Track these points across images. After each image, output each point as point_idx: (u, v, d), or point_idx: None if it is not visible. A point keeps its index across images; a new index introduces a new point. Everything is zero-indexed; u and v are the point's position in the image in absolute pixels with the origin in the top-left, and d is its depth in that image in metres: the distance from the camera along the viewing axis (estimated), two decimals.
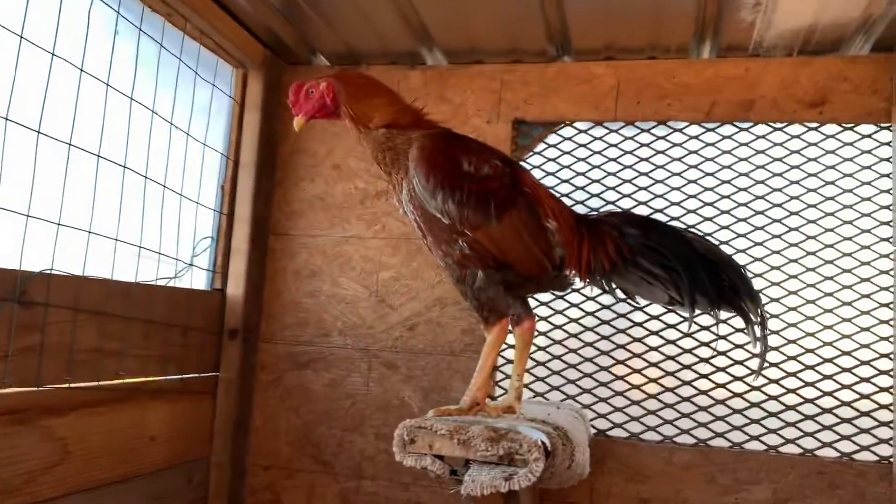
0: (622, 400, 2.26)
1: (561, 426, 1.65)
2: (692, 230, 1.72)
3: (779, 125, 2.24)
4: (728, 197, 2.26)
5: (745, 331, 1.63)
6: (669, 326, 2.25)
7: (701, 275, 1.60)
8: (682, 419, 2.21)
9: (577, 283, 1.82)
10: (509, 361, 2.30)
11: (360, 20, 2.28)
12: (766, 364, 1.65)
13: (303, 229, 2.55)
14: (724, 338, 2.20)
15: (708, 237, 1.70)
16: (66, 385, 1.78)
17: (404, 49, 2.46)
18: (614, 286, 1.71)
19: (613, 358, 2.29)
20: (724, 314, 1.62)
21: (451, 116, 2.46)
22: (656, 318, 2.26)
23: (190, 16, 2.14)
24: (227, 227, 2.48)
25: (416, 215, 1.74)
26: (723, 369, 2.19)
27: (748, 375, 2.16)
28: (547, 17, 2.17)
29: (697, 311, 1.60)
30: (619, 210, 2.27)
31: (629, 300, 1.79)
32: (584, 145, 2.41)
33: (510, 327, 1.73)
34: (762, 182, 2.24)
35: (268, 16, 2.31)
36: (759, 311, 1.60)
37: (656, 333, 2.26)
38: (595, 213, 1.90)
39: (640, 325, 2.28)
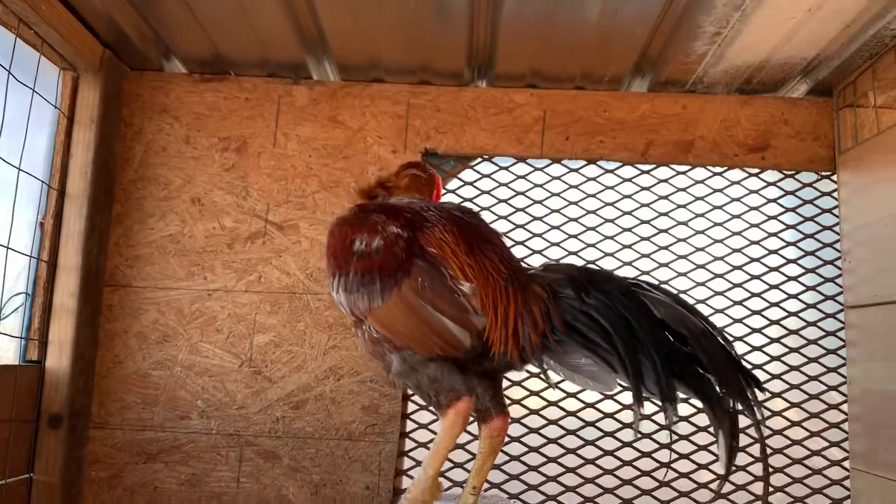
0: (555, 486, 2.00)
1: None
2: (665, 288, 1.37)
3: (719, 170, 2.12)
4: (667, 248, 2.10)
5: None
6: (608, 397, 2.03)
7: (650, 353, 1.25)
8: (603, 496, 1.99)
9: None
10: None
11: (238, 17, 1.88)
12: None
13: (151, 280, 2.07)
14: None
15: (690, 300, 1.38)
16: None
17: (288, 59, 2.08)
18: (550, 368, 1.40)
19: (544, 436, 2.03)
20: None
21: (345, 143, 2.11)
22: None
23: None
24: (48, 277, 1.95)
25: None
26: (667, 446, 2.01)
27: (693, 452, 1.99)
28: (474, 33, 1.89)
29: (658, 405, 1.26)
30: (567, 263, 2.01)
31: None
32: (505, 184, 2.15)
33: (481, 426, 1.43)
34: (703, 232, 2.10)
35: (113, 2, 1.84)
36: (730, 411, 1.24)
37: (574, 395, 2.03)
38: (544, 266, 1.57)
39: (573, 395, 2.04)
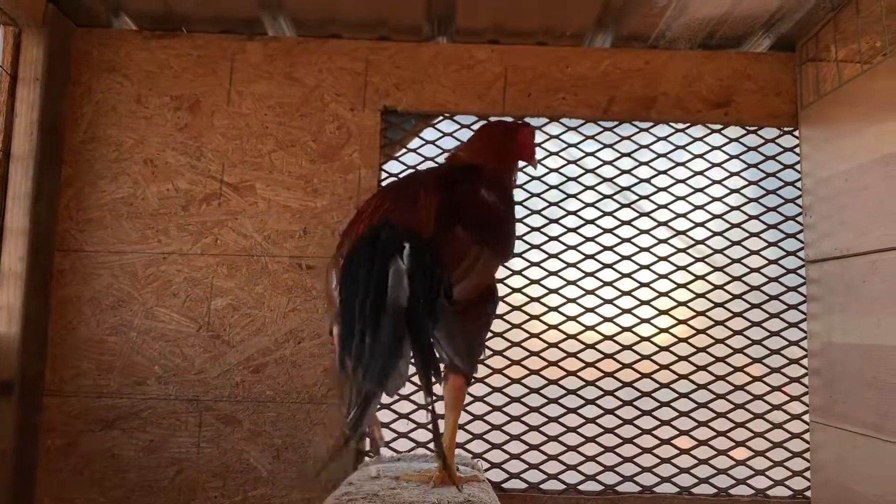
0: (518, 445, 2.02)
1: None
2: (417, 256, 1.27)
3: (681, 126, 2.11)
4: (629, 206, 2.10)
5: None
6: (570, 355, 2.04)
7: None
8: (586, 463, 2.01)
9: None
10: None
11: None
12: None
13: (103, 244, 2.03)
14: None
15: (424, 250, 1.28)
16: None
17: (242, 14, 2.03)
18: None
19: (507, 395, 2.03)
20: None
21: (302, 101, 2.07)
22: (556, 345, 2.04)
23: None
24: None
25: None
26: (629, 403, 2.03)
27: (657, 409, 2.02)
28: None
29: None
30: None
31: None
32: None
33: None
34: (665, 189, 2.10)
35: None
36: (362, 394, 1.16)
37: (555, 364, 2.04)
38: None
39: (536, 354, 2.04)
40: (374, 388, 1.15)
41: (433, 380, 1.20)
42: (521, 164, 1.78)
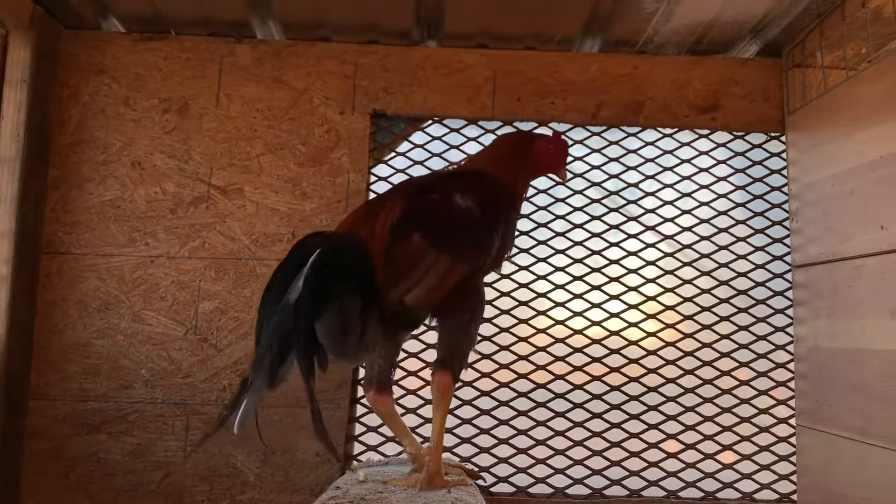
0: (506, 449, 2.01)
1: None
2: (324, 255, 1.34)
3: (669, 131, 2.12)
4: (617, 210, 2.11)
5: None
6: (558, 359, 2.04)
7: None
8: (574, 467, 2.01)
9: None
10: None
11: None
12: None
13: (90, 246, 2.02)
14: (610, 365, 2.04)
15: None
16: None
17: (231, 17, 2.02)
18: None
19: (496, 399, 2.03)
20: None
21: (291, 104, 2.07)
22: (543, 349, 2.04)
23: None
24: None
25: None
26: (616, 406, 2.03)
27: (644, 412, 2.02)
28: None
29: None
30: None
31: None
32: (456, 146, 2.13)
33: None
34: (652, 193, 2.11)
35: None
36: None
37: (544, 368, 2.04)
38: None
39: (525, 358, 2.05)
40: (256, 376, 1.25)
41: (313, 370, 1.30)
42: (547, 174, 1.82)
